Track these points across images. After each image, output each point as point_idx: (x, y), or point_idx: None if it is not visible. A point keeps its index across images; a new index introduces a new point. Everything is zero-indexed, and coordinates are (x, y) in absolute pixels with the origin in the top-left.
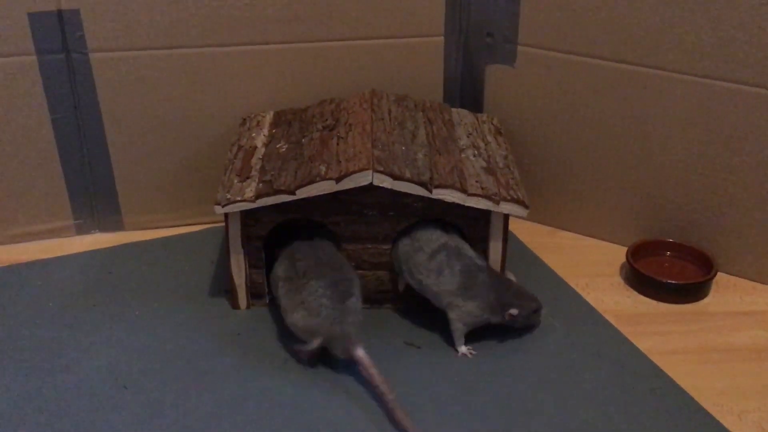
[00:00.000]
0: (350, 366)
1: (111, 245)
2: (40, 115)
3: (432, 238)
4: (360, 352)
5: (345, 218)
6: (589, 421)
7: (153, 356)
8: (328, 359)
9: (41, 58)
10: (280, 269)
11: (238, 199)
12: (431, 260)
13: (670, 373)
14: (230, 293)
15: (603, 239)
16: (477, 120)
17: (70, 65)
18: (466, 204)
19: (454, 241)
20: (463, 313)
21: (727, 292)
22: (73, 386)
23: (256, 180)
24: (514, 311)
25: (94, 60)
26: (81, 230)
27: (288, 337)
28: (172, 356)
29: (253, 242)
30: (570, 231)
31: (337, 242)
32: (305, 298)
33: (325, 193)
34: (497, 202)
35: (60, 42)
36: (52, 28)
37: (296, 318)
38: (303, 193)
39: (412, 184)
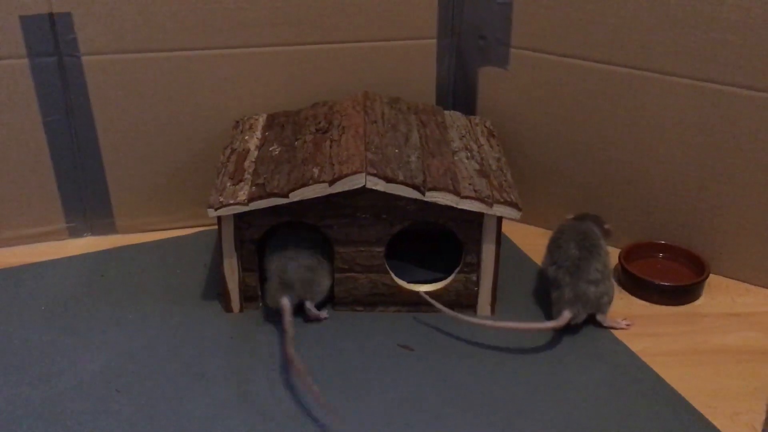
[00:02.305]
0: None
1: (103, 248)
2: (32, 118)
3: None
4: (283, 301)
5: (338, 221)
6: (583, 424)
7: (146, 359)
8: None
9: (33, 61)
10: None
11: (231, 202)
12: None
13: (662, 375)
14: (223, 296)
15: None
16: (470, 122)
17: (62, 68)
18: (459, 206)
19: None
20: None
21: (720, 294)
22: (66, 390)
23: (249, 183)
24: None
25: (86, 63)
26: (73, 233)
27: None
28: (165, 359)
29: (246, 245)
30: None
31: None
32: (267, 267)
33: (318, 196)
34: (490, 205)
35: (52, 45)
36: (44, 31)
37: None
38: (296, 196)
39: (406, 187)
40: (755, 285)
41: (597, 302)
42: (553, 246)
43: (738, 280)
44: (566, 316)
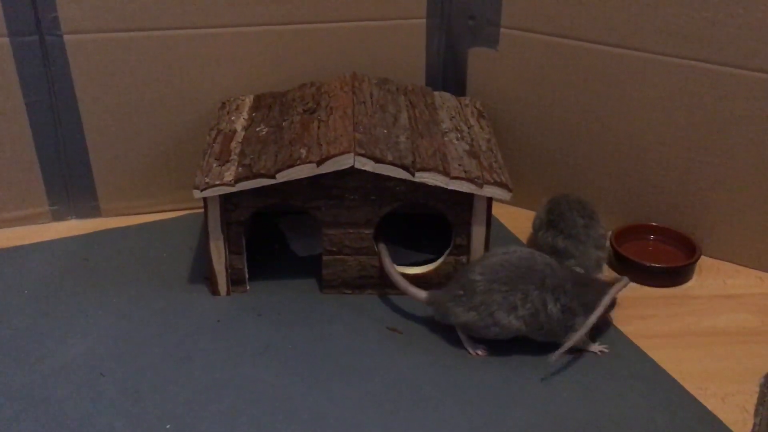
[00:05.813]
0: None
1: (87, 232)
2: (13, 98)
3: None
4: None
5: (326, 203)
6: (573, 405)
7: (131, 343)
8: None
9: (14, 40)
10: None
11: (217, 183)
12: None
13: (653, 357)
14: (210, 279)
15: None
16: (460, 103)
17: (44, 48)
18: (449, 187)
19: None
20: None
21: (711, 276)
22: (50, 374)
23: (236, 164)
24: None
25: (69, 42)
26: (57, 216)
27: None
28: (150, 343)
29: (232, 227)
30: None
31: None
32: None
33: (306, 176)
34: (480, 186)
35: (33, 24)
36: (25, 9)
37: None
38: (283, 177)
39: (395, 167)
40: (746, 266)
41: (601, 266)
42: (554, 217)
43: (729, 261)
44: None
